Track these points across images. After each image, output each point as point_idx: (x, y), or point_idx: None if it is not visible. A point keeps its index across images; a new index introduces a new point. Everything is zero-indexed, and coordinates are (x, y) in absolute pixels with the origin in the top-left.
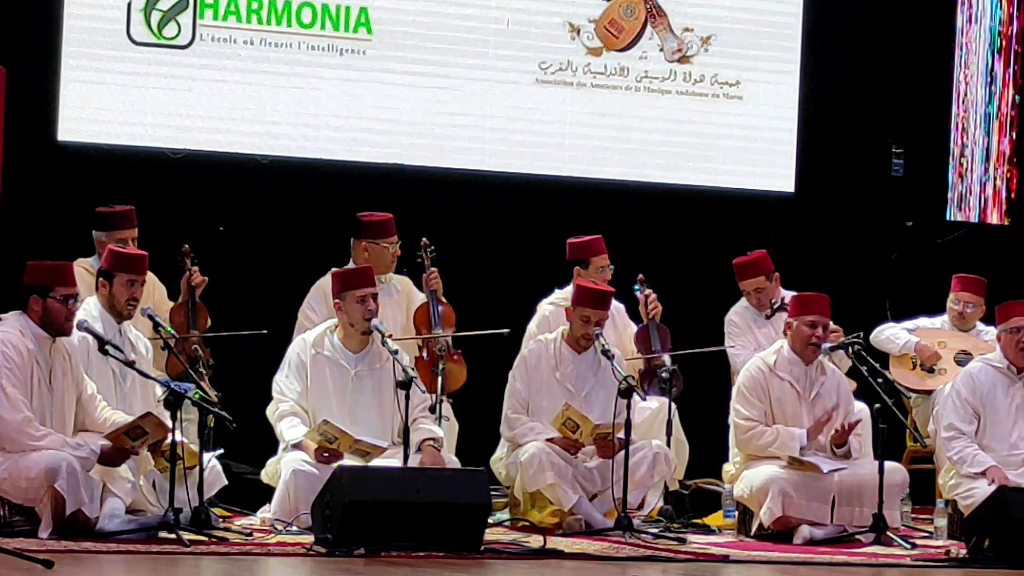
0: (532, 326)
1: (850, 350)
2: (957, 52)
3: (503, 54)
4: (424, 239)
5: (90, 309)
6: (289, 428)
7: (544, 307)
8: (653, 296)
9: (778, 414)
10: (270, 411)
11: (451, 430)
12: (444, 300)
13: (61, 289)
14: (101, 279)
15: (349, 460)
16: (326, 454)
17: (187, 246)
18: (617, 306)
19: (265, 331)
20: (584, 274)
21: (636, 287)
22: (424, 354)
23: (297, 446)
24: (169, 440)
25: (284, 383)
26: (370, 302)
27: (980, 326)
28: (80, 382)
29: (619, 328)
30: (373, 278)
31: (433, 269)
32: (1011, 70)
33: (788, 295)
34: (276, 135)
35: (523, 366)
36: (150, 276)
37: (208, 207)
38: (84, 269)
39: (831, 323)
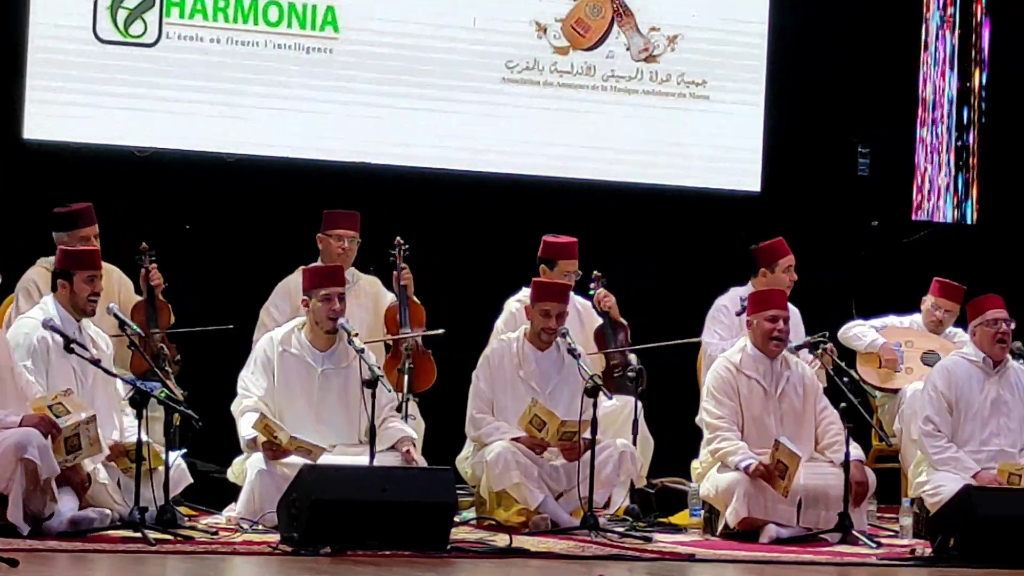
0: (499, 323)
1: (818, 348)
2: (923, 52)
3: (470, 53)
4: (398, 238)
5: (49, 309)
6: (245, 424)
7: (511, 304)
8: (603, 292)
9: (747, 412)
10: (234, 407)
11: (417, 429)
12: (415, 299)
13: None
14: (60, 280)
15: (296, 459)
16: (272, 448)
17: (145, 244)
18: (584, 304)
19: (232, 325)
20: (548, 274)
21: (591, 284)
22: (393, 353)
23: (252, 443)
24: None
25: (250, 379)
26: (335, 301)
27: (950, 328)
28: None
29: (586, 326)
30: (341, 278)
31: (405, 267)
32: (977, 71)
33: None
34: (242, 134)
35: (486, 366)
36: (116, 273)
37: (174, 205)
38: (45, 269)
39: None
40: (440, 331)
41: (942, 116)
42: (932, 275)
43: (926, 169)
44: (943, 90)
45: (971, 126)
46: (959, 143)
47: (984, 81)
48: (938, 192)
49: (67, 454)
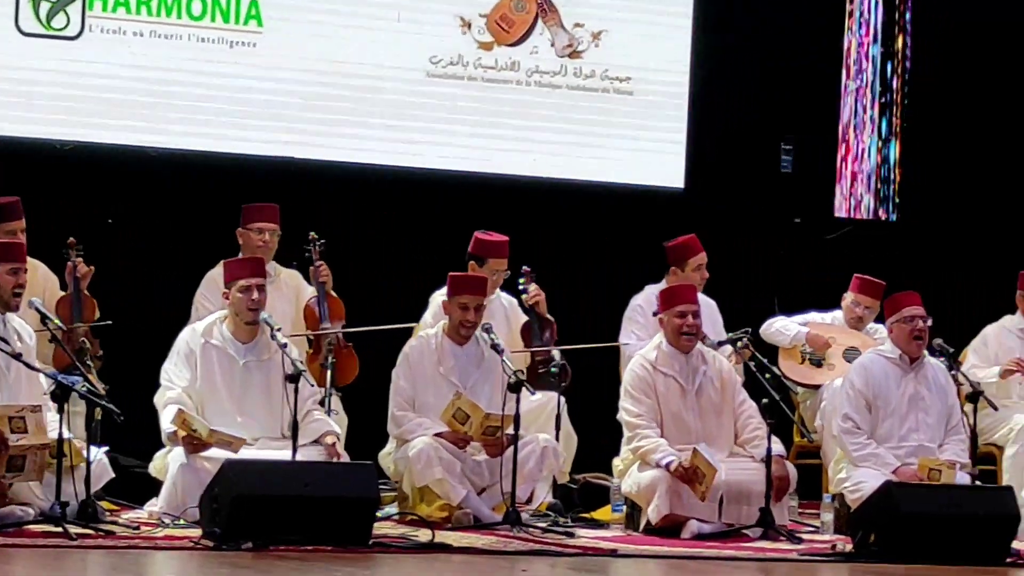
0: (427, 317)
1: (738, 344)
2: (846, 50)
3: (394, 47)
4: (312, 233)
5: None
6: (166, 417)
7: (437, 298)
8: (533, 288)
9: (665, 409)
10: (157, 398)
11: (340, 424)
12: (333, 294)
13: None
14: None
15: (218, 453)
16: (192, 442)
17: (72, 239)
18: (510, 300)
19: (154, 319)
20: (477, 271)
21: (520, 280)
22: (315, 348)
23: (173, 436)
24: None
25: (172, 371)
26: (253, 291)
27: (871, 325)
28: None
29: (511, 323)
30: (260, 269)
31: (321, 263)
32: (898, 69)
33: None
34: (165, 127)
35: (405, 363)
36: (41, 268)
37: (97, 199)
38: None
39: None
40: (378, 327)
41: (865, 113)
42: (854, 272)
43: (849, 166)
44: (866, 88)
45: (893, 125)
46: (881, 140)
47: (907, 80)
48: (860, 189)
49: (6, 472)
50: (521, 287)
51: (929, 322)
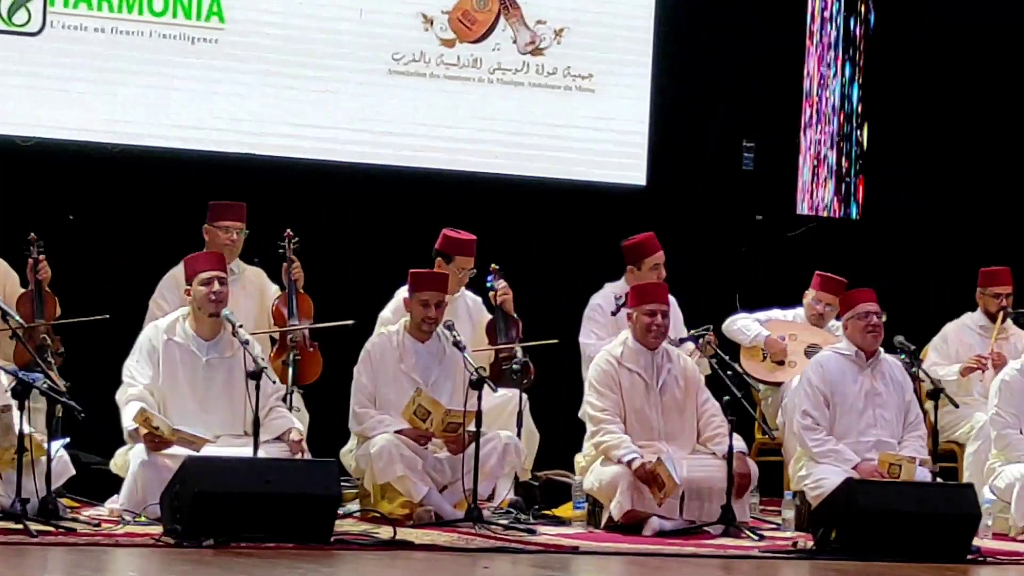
0: (387, 312)
1: (700, 341)
2: (808, 48)
3: (356, 44)
4: (288, 230)
5: None
6: (128, 415)
7: (401, 295)
8: (502, 285)
9: (629, 405)
10: (119, 395)
11: (302, 421)
12: (302, 291)
13: None
14: None
15: (179, 450)
16: (156, 440)
17: (34, 235)
18: (474, 299)
19: (107, 315)
20: (444, 268)
21: (489, 277)
22: (279, 345)
23: (135, 433)
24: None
25: (135, 368)
26: (214, 284)
27: (832, 322)
28: None
29: (475, 321)
30: (221, 263)
31: (295, 260)
32: (860, 67)
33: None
34: (127, 124)
35: (367, 360)
36: (2, 265)
37: (59, 195)
38: None
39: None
40: (349, 322)
41: (827, 111)
42: (815, 269)
43: (810, 163)
44: (828, 85)
45: (856, 121)
46: (843, 138)
47: (869, 76)
48: (822, 186)
49: None
50: (489, 284)
51: (883, 317)
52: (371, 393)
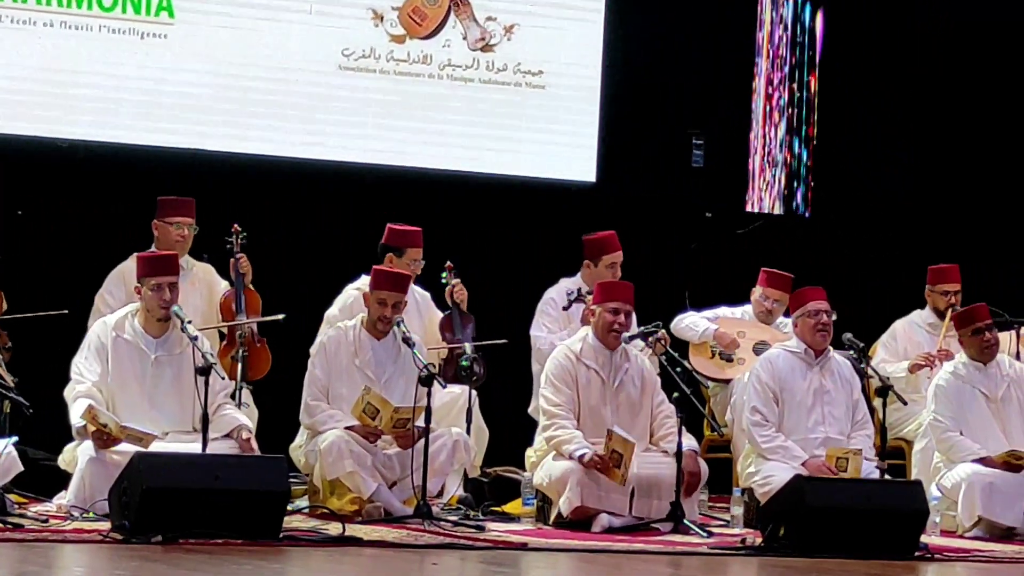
0: (334, 309)
1: (650, 338)
2: (758, 44)
3: (306, 40)
4: (236, 225)
5: None
6: (76, 411)
7: (349, 291)
8: (457, 283)
9: (584, 401)
10: (67, 392)
11: (251, 417)
12: (251, 287)
13: None
14: None
15: (127, 446)
16: (104, 437)
17: None
18: (423, 294)
19: (66, 311)
20: (396, 262)
21: (443, 274)
22: (227, 340)
23: (83, 429)
24: None
25: (83, 365)
26: (165, 291)
27: (781, 319)
28: None
29: (424, 316)
30: (175, 267)
31: (242, 255)
32: (811, 64)
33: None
34: (76, 119)
35: (322, 353)
36: None
37: (7, 191)
38: None
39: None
40: (280, 316)
41: (776, 107)
42: (765, 266)
43: (760, 160)
44: (777, 81)
45: (805, 118)
46: (793, 135)
47: (820, 74)
48: (772, 184)
49: None
50: (444, 281)
51: (833, 316)
52: (324, 386)
